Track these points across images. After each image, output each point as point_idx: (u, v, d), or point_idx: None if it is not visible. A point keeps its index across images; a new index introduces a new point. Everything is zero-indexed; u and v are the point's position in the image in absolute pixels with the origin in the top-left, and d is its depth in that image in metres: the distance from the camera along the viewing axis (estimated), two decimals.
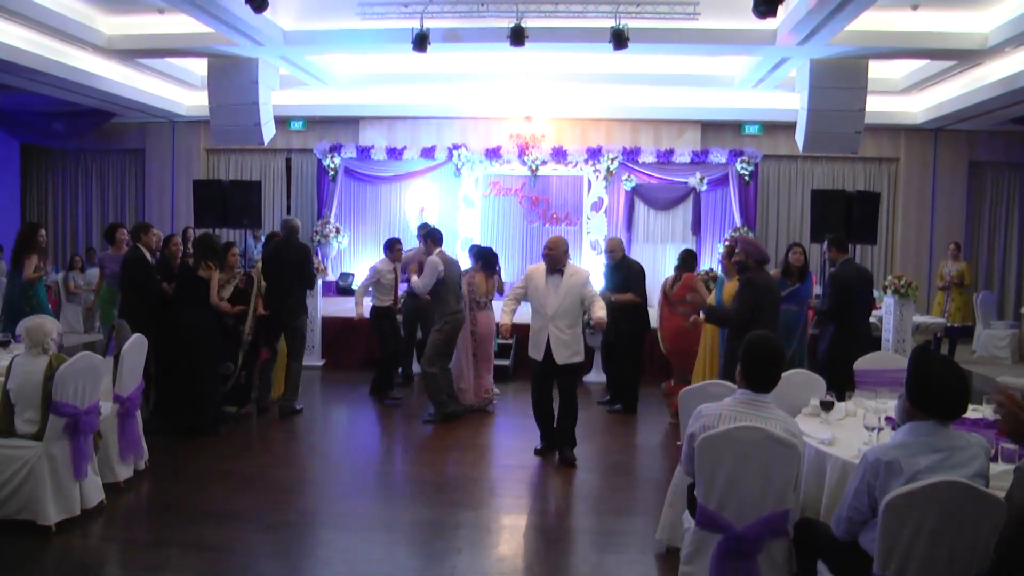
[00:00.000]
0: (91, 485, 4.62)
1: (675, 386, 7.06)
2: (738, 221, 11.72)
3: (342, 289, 12.28)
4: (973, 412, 4.00)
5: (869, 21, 7.93)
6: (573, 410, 5.98)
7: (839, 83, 9.05)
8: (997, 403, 2.91)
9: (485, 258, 7.58)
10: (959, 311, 10.29)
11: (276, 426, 6.84)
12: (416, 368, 8.45)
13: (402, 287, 7.93)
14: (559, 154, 11.94)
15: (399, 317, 8.05)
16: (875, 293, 8.07)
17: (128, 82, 10.83)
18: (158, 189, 13.38)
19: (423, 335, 7.79)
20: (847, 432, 3.77)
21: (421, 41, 8.21)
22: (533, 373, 6.08)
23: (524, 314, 6.33)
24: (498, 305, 6.57)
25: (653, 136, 12.23)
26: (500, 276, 8.10)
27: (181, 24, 8.70)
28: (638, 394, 7.58)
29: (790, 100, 10.37)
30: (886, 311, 8.30)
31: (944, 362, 2.90)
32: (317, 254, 11.71)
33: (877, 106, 10.35)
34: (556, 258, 5.81)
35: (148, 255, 6.72)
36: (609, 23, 8.02)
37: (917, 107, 11.58)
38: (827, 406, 4.08)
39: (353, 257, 12.81)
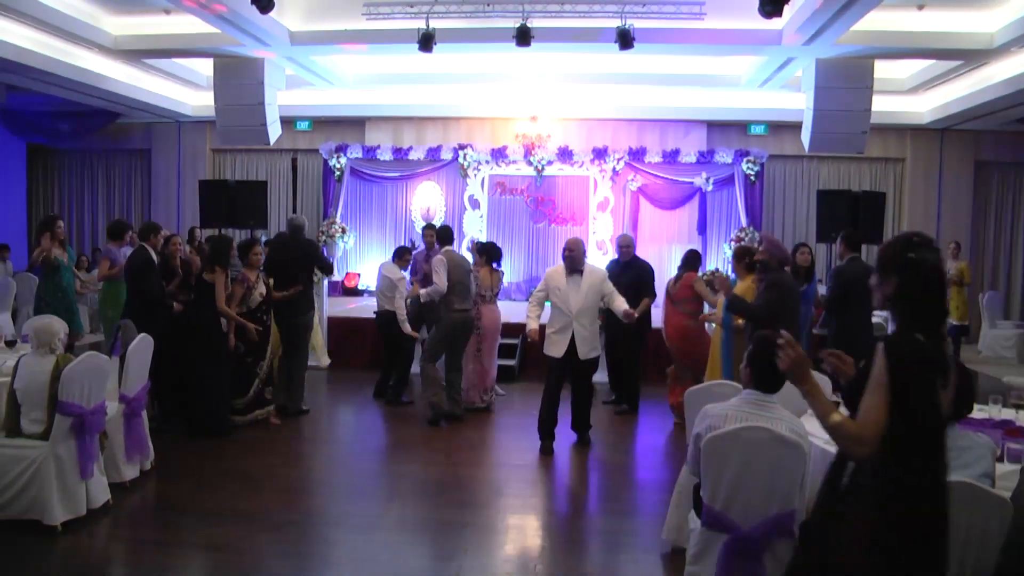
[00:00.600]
0: (97, 485, 4.63)
1: (676, 379, 7.08)
2: (744, 221, 11.67)
3: (348, 290, 12.33)
4: (979, 412, 3.99)
5: (875, 21, 7.92)
6: (589, 397, 6.41)
7: (845, 83, 9.03)
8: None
9: (488, 252, 7.58)
10: (957, 310, 10.26)
11: (282, 426, 6.85)
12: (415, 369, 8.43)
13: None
14: (565, 154, 11.92)
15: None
16: None
17: (134, 82, 10.86)
18: (164, 189, 13.41)
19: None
20: None
21: (427, 41, 8.21)
22: (549, 370, 6.26)
23: (523, 314, 6.35)
24: (502, 303, 6.60)
25: (659, 136, 12.19)
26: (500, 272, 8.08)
27: (187, 24, 8.72)
28: (639, 392, 7.60)
29: (796, 100, 10.34)
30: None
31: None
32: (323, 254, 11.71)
33: (883, 106, 10.31)
34: (576, 259, 6.08)
35: (154, 255, 6.74)
36: (615, 23, 8.02)
37: (923, 107, 11.54)
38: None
39: (359, 257, 12.84)
